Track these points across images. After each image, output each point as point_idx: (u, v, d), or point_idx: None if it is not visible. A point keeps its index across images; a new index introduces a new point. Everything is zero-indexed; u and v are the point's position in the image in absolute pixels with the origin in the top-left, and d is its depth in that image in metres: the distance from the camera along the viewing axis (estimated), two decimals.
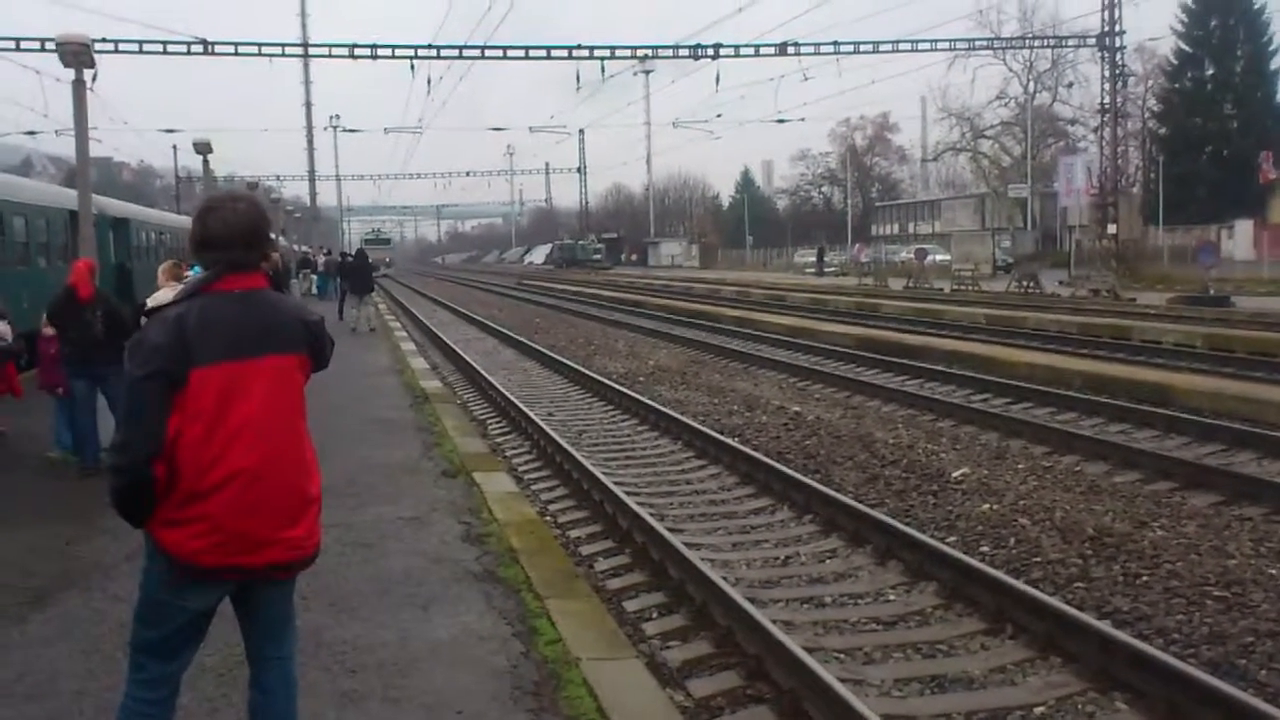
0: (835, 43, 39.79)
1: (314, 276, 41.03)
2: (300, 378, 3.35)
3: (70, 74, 11.22)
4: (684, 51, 40.89)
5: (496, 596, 5.85)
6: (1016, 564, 7.24)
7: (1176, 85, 62.28)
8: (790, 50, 39.80)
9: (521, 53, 39.65)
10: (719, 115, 63.02)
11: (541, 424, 12.25)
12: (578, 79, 42.14)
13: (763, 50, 40.16)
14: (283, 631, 3.46)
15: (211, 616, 3.32)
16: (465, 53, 39.32)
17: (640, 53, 42.49)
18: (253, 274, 3.28)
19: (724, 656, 5.83)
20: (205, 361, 3.08)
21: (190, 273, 12.48)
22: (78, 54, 10.21)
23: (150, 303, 9.48)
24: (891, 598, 6.79)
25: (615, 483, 9.31)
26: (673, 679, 5.54)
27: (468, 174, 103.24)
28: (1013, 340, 20.81)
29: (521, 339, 24.18)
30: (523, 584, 6.07)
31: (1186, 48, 60.95)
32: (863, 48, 40.44)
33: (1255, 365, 15.89)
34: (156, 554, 3.18)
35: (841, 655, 5.83)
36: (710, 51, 40.16)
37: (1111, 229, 39.63)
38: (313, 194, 75.69)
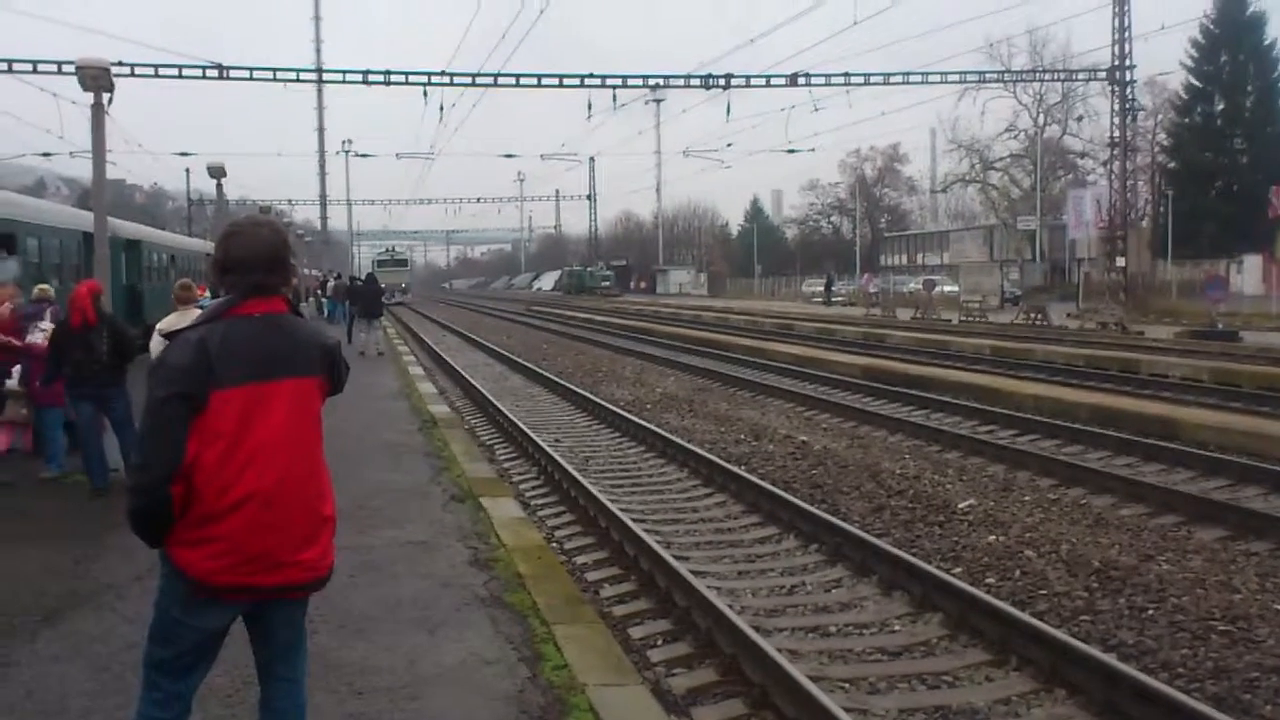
0: (846, 74, 39.93)
1: (324, 300, 41.17)
2: (318, 401, 3.40)
3: (89, 97, 11.37)
4: (695, 81, 41.12)
5: (503, 621, 5.87)
6: (1022, 596, 7.25)
7: (1186, 120, 62.42)
8: (801, 81, 39.96)
9: (534, 80, 39.86)
10: (729, 144, 63.29)
11: (549, 450, 12.29)
12: (589, 107, 42.40)
13: (774, 81, 40.35)
14: (294, 652, 3.50)
15: (224, 636, 3.36)
16: (478, 79, 39.57)
17: (652, 82, 42.70)
18: (274, 298, 3.33)
19: (729, 685, 5.84)
20: (227, 384, 3.13)
21: (206, 295, 12.59)
22: (97, 78, 10.32)
23: (160, 328, 9.53)
24: (897, 628, 6.80)
25: (621, 509, 9.34)
26: (678, 706, 5.56)
27: (478, 200, 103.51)
28: (1020, 372, 20.82)
29: (529, 365, 24.24)
30: (529, 609, 6.09)
31: (1196, 82, 61.13)
32: (873, 79, 40.60)
33: (1262, 400, 15.89)
34: (172, 573, 3.22)
35: (846, 685, 5.84)
36: (722, 81, 40.36)
37: (1120, 262, 39.65)
38: (324, 218, 76.19)
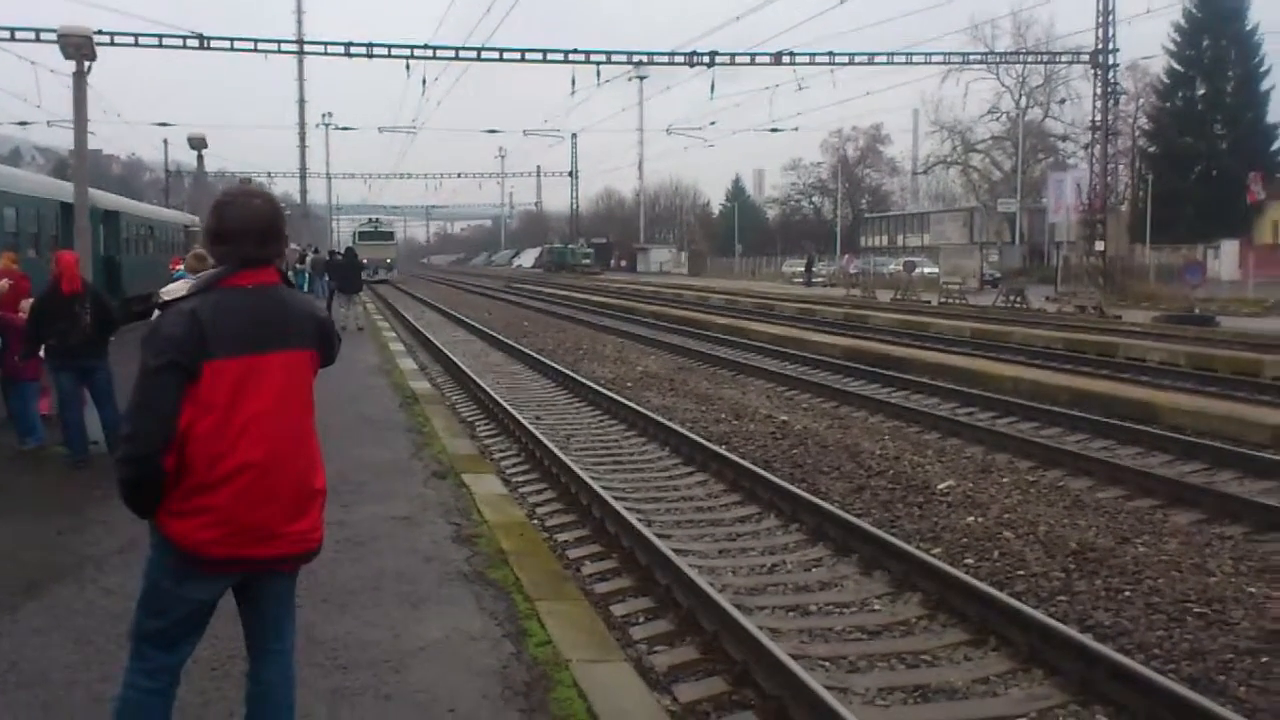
0: (830, 53, 39.93)
1: (302, 273, 40.96)
2: (310, 373, 3.41)
3: (67, 66, 11.21)
4: (680, 58, 41.01)
5: (487, 597, 5.90)
6: (1000, 576, 7.31)
7: (1167, 104, 62.66)
8: (785, 60, 39.94)
9: (518, 55, 39.65)
10: (713, 123, 62.97)
11: (530, 427, 12.29)
12: (573, 83, 42.19)
13: (758, 59, 40.30)
14: (284, 624, 3.51)
15: (214, 608, 3.37)
16: (461, 54, 39.33)
17: (636, 58, 42.52)
18: (267, 269, 3.33)
19: (710, 662, 5.88)
20: (220, 354, 3.13)
21: (180, 268, 12.46)
22: (79, 46, 10.19)
23: (163, 295, 9.48)
24: (877, 607, 6.86)
25: (603, 487, 9.37)
26: (659, 683, 5.59)
27: (459, 175, 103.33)
28: (999, 354, 20.93)
29: (510, 342, 24.21)
30: (513, 585, 6.12)
31: (1178, 67, 61.33)
32: (857, 59, 40.60)
33: (1238, 385, 16.04)
34: (162, 544, 3.23)
35: (826, 663, 5.89)
36: (706, 59, 40.27)
37: (1099, 246, 39.85)
38: (303, 191, 75.61)
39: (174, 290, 9.49)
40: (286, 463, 3.26)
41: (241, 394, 3.17)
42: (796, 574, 7.59)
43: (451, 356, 20.74)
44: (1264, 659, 5.78)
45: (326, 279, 31.32)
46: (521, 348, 22.77)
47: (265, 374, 3.22)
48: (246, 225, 3.28)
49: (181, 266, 11.25)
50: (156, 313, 9.68)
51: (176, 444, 3.10)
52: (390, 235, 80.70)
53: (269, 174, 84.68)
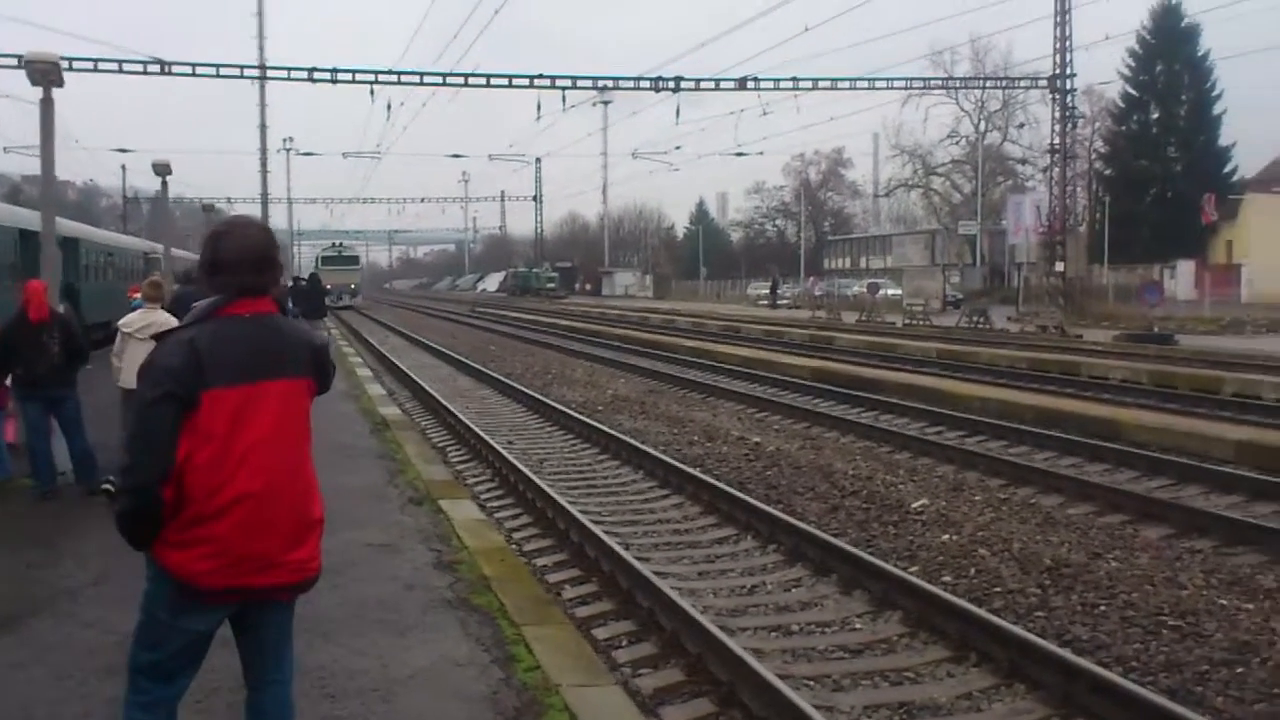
0: (794, 78, 40.34)
1: None
2: (307, 401, 3.42)
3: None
4: (645, 84, 41.25)
5: (472, 623, 5.89)
6: (978, 593, 7.39)
7: (1123, 128, 63.83)
8: (750, 85, 40.29)
9: (483, 80, 39.76)
10: (678, 147, 63.39)
11: (503, 452, 12.28)
12: (538, 108, 42.35)
13: (723, 84, 40.65)
14: (281, 654, 3.50)
15: (211, 639, 3.35)
16: (426, 79, 39.38)
17: (602, 83, 42.77)
18: (263, 298, 3.34)
19: (695, 684, 5.89)
20: (218, 384, 3.13)
21: (137, 297, 12.29)
22: (46, 73, 10.12)
23: (122, 325, 9.41)
24: (858, 626, 6.90)
25: (580, 511, 9.37)
26: (647, 706, 5.60)
27: (422, 200, 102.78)
28: (965, 374, 21.13)
29: (478, 366, 24.16)
30: (497, 611, 6.11)
31: (1133, 91, 62.52)
32: (820, 84, 41.02)
33: (1199, 402, 16.30)
34: (159, 575, 3.21)
35: (812, 682, 5.92)
36: (671, 84, 40.53)
37: (1059, 267, 40.35)
38: (265, 216, 74.91)
39: (131, 321, 9.36)
40: (285, 492, 3.26)
41: (240, 423, 3.17)
42: (777, 594, 7.63)
43: (419, 381, 20.67)
44: (1239, 670, 5.88)
45: (290, 305, 31.16)
46: (490, 372, 22.74)
47: (263, 403, 3.22)
48: (243, 255, 3.29)
49: (139, 295, 11.11)
50: (118, 338, 9.54)
51: (175, 475, 3.10)
52: (355, 260, 78.97)
53: (229, 199, 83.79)
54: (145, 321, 9.07)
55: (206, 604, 3.22)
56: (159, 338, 3.29)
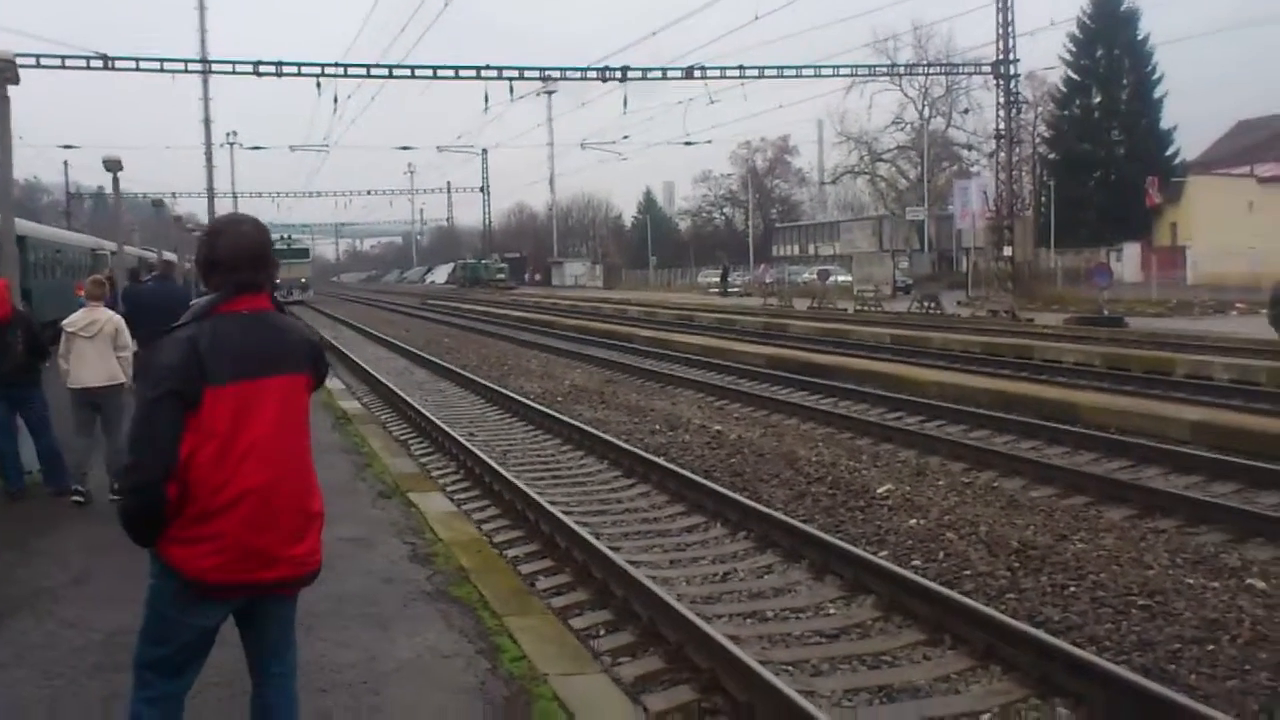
0: (740, 67, 40.40)
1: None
2: (305, 396, 3.44)
3: None
4: (593, 74, 41.12)
5: (454, 615, 5.89)
6: (949, 576, 7.49)
7: (1065, 112, 64.67)
8: (697, 74, 40.31)
9: (430, 72, 39.43)
10: (626, 137, 63.28)
11: (467, 444, 12.25)
12: (486, 100, 42.05)
13: (670, 74, 40.60)
14: (285, 647, 3.54)
15: (216, 634, 3.37)
16: (373, 71, 38.99)
17: (549, 74, 42.56)
18: (260, 295, 3.34)
19: (676, 671, 5.93)
20: (219, 381, 3.14)
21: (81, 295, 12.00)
22: (2, 70, 9.91)
23: (66, 324, 9.22)
24: (832, 611, 6.98)
25: (549, 502, 9.38)
26: (628, 694, 5.63)
27: (369, 192, 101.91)
28: (920, 360, 21.33)
29: (433, 359, 24.05)
30: (478, 602, 6.12)
31: (1075, 76, 63.32)
32: (767, 72, 41.13)
33: (1153, 384, 16.59)
34: (164, 572, 3.22)
35: (790, 668, 5.98)
36: (618, 74, 40.47)
37: (1008, 251, 40.83)
38: (211, 211, 73.87)
39: (75, 320, 9.16)
40: (286, 487, 3.28)
41: (242, 420, 3.18)
42: (750, 581, 7.68)
43: (376, 375, 20.56)
44: (1210, 647, 6.02)
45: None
46: (446, 364, 22.65)
47: (264, 399, 3.23)
48: (239, 252, 3.31)
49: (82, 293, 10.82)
50: (63, 339, 9.33)
51: (179, 472, 3.09)
52: (305, 253, 76.11)
53: (174, 194, 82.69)
54: (89, 320, 8.93)
55: (211, 599, 3.23)
56: (160, 339, 3.27)
